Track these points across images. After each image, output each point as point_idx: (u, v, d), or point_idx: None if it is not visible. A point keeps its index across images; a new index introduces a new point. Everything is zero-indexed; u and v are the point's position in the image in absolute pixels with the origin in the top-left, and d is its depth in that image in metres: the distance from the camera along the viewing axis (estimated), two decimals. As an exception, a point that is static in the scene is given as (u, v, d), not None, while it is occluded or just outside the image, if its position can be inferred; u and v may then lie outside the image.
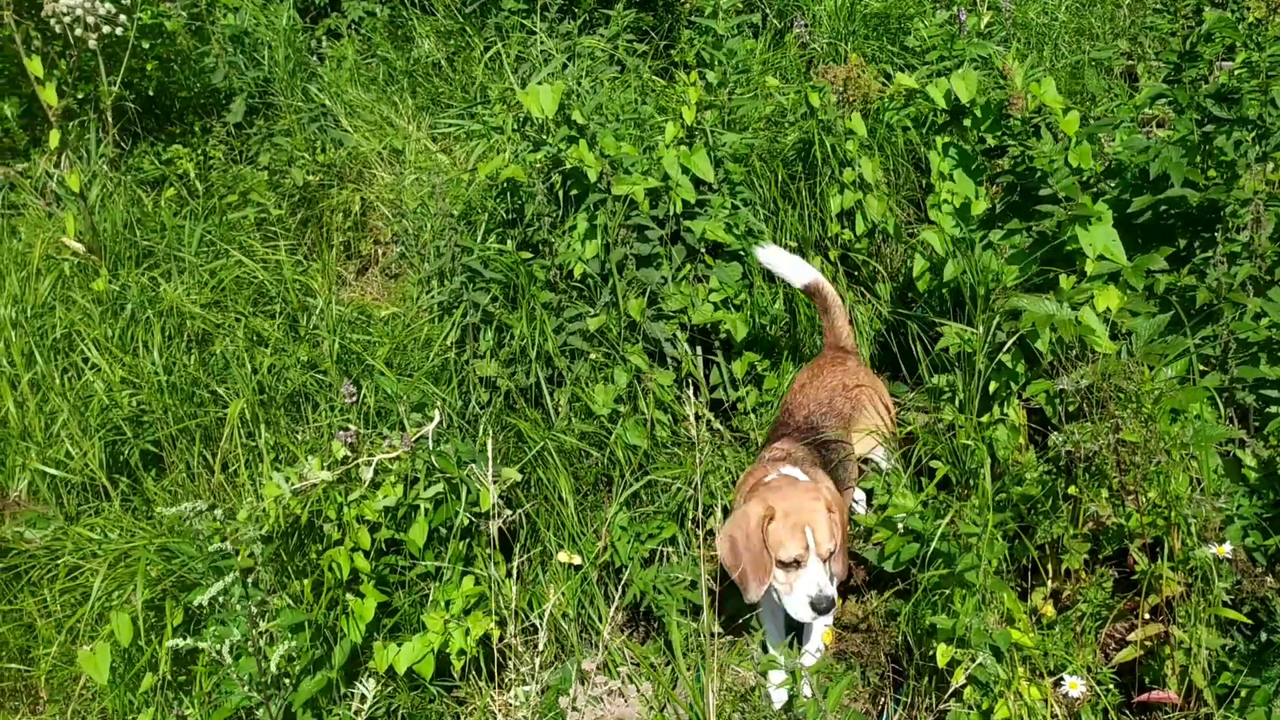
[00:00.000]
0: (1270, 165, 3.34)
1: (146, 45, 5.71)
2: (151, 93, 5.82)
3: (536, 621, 3.07)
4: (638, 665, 3.28)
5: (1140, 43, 5.95)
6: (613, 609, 3.03)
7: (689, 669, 3.18)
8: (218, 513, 2.14)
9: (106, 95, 5.27)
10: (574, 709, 2.96)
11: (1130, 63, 5.87)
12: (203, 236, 4.45)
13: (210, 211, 4.90)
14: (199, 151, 5.84)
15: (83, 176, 4.23)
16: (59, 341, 3.90)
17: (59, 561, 3.23)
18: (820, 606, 2.98)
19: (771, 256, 3.88)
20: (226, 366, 3.88)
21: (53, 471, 3.57)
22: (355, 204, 5.65)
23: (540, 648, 3.03)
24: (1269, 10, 3.28)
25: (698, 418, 4.01)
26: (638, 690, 3.09)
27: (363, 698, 2.26)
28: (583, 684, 3.04)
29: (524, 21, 5.81)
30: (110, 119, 5.34)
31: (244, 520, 2.89)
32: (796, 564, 3.01)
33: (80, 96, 5.32)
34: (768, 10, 5.96)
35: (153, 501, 3.49)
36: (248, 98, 6.05)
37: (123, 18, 5.04)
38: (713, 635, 2.73)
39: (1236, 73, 3.46)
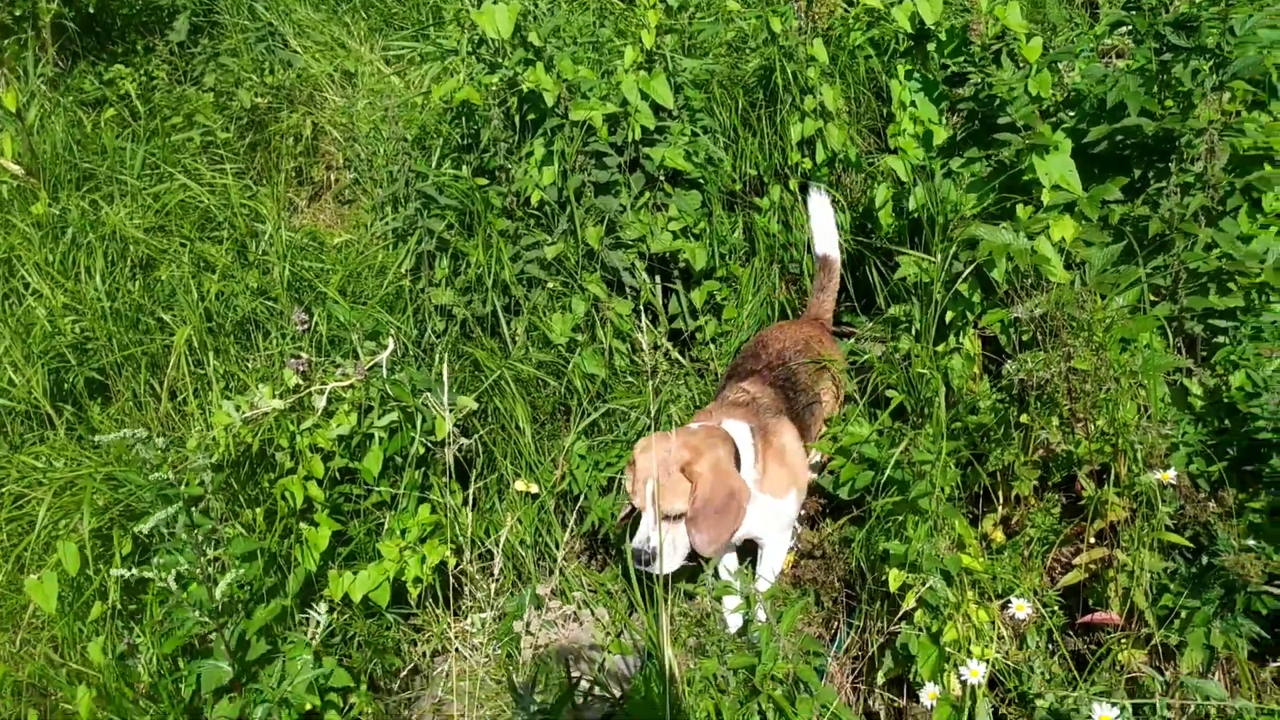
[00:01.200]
0: (1226, 95, 3.34)
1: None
2: (92, 10, 5.61)
3: (493, 549, 3.07)
4: (594, 592, 3.30)
5: (1102, -29, 5.90)
6: (567, 534, 3.03)
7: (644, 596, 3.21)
8: (159, 441, 2.09)
9: (45, 12, 5.08)
10: (528, 633, 2.98)
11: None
12: (146, 159, 4.32)
13: (153, 134, 4.75)
14: (141, 71, 5.65)
15: (20, 96, 4.07)
16: (-2, 266, 3.79)
17: (2, 490, 3.17)
18: (639, 558, 2.92)
19: (820, 205, 3.98)
20: (172, 293, 3.79)
21: (-6, 399, 3.49)
22: (306, 128, 5.51)
23: (496, 575, 3.04)
24: (1231, -63, 3.25)
25: (655, 347, 4.00)
26: (593, 615, 3.11)
27: (317, 623, 2.24)
28: (538, 609, 3.05)
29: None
30: (49, 37, 5.15)
31: (193, 449, 2.85)
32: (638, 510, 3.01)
33: (17, 13, 5.12)
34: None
35: (98, 430, 3.42)
36: (191, 16, 5.85)
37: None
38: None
39: (1197, 1, 3.44)
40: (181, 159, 4.53)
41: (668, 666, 2.03)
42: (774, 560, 3.34)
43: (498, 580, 3.12)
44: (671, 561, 2.96)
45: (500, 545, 2.70)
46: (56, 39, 5.32)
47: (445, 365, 3.28)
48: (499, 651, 2.97)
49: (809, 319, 3.90)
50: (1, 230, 3.85)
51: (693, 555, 3.07)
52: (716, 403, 3.42)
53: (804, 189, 4.39)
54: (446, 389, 2.96)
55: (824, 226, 3.92)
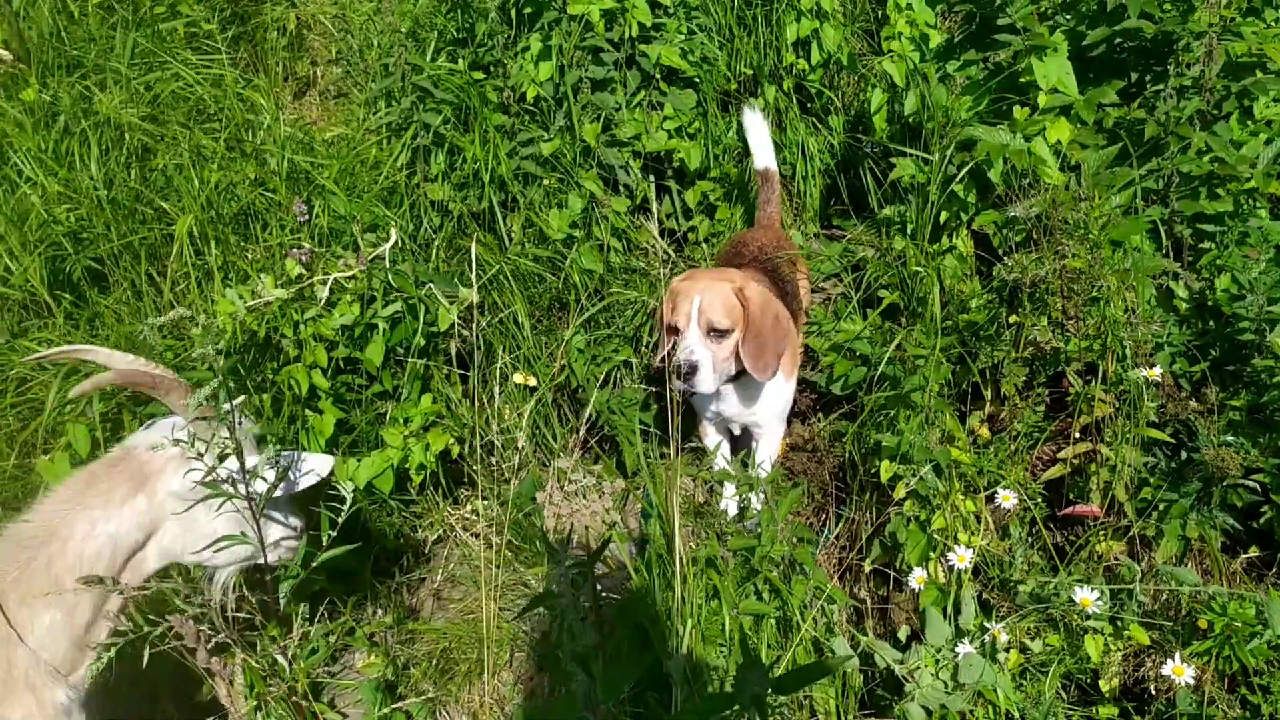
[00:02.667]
0: (1226, 0, 3.36)
1: None
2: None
3: (496, 440, 3.13)
4: (595, 480, 3.39)
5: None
6: (583, 423, 3.10)
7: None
8: (201, 318, 2.13)
9: (20, -111, 4.91)
10: (550, 503, 3.07)
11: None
12: (134, 47, 4.24)
13: (140, 22, 4.65)
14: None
15: (4, -22, 3.98)
16: (-10, 153, 3.75)
17: (10, 374, 3.19)
18: (679, 373, 2.93)
19: (755, 122, 3.98)
20: (169, 183, 3.77)
21: (-8, 286, 3.48)
22: (290, 21, 5.42)
23: (498, 461, 3.12)
24: None
25: (665, 250, 4.06)
26: (610, 486, 3.20)
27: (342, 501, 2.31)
28: (559, 482, 3.13)
29: None
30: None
31: (199, 335, 2.87)
32: (678, 331, 3.02)
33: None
34: None
35: (100, 316, 3.43)
36: (173, -100, 5.67)
37: None
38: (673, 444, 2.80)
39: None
40: (169, 49, 4.44)
41: (676, 541, 2.11)
42: (770, 448, 3.42)
43: (500, 467, 3.19)
44: (710, 381, 3.00)
45: (522, 429, 2.76)
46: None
47: (472, 252, 3.23)
48: (519, 520, 3.04)
49: (765, 226, 3.94)
50: (-8, 117, 3.80)
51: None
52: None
53: (799, 90, 4.40)
54: (472, 266, 2.93)
55: (761, 143, 3.97)
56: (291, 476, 2.38)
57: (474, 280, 2.72)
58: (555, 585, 1.82)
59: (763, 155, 3.97)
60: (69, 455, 2.86)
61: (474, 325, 2.99)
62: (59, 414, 3.05)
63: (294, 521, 2.54)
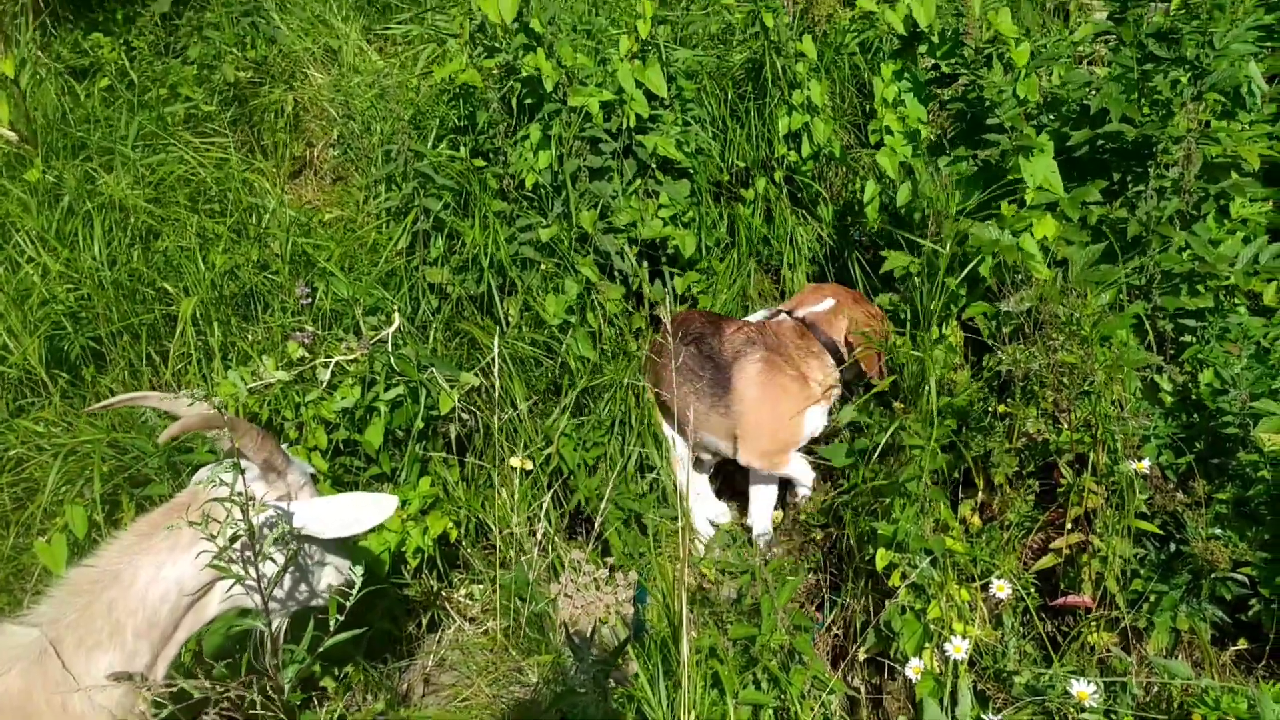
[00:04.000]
0: (1203, 105, 3.50)
1: (69, -76, 5.45)
2: (74, -24, 5.57)
3: (490, 523, 3.15)
4: (576, 567, 3.39)
5: (1077, -24, 6.07)
6: (598, 523, 3.12)
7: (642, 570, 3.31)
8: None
9: (29, -23, 5.03)
10: (565, 595, 3.07)
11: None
12: (138, 130, 4.31)
13: (142, 105, 4.74)
14: (120, 41, 5.61)
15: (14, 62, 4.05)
16: (-7, 232, 3.78)
17: (7, 455, 3.18)
18: None
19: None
20: (169, 263, 3.81)
21: (-10, 365, 3.49)
22: (289, 104, 5.52)
23: (498, 546, 3.13)
24: (1213, -45, 3.41)
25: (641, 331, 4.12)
26: (624, 578, 3.21)
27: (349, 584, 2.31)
28: (575, 572, 3.14)
29: (467, -77, 5.68)
30: (30, 4, 5.10)
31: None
32: None
33: (1, -23, 5.07)
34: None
35: (99, 396, 3.44)
36: (174, -14, 5.81)
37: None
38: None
39: (1175, 14, 3.60)
40: (171, 131, 4.52)
41: (684, 640, 2.13)
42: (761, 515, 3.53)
43: (499, 552, 3.20)
44: None
45: (515, 520, 2.78)
46: (38, 7, 5.26)
47: (440, 343, 3.32)
48: (524, 614, 3.04)
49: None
50: (-3, 196, 3.84)
51: None
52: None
53: (789, 181, 4.51)
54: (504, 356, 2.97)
55: None
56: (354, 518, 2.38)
57: (496, 363, 2.74)
58: (577, 684, 1.83)
59: None
60: (66, 537, 2.85)
61: (476, 409, 3.01)
62: (57, 495, 3.05)
63: (345, 560, 2.55)
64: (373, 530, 2.48)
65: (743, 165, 4.49)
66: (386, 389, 3.22)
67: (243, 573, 2.11)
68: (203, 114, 5.09)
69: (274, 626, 2.26)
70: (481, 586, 3.25)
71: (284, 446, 2.33)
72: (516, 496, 3.35)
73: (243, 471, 2.15)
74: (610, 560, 3.40)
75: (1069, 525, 3.09)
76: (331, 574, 2.49)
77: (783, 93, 4.38)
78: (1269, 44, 4.11)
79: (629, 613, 3.16)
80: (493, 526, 3.20)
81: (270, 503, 2.30)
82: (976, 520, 3.34)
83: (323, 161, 5.39)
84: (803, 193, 4.60)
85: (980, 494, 3.36)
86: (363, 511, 2.38)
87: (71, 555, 2.79)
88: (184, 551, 2.23)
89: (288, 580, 2.38)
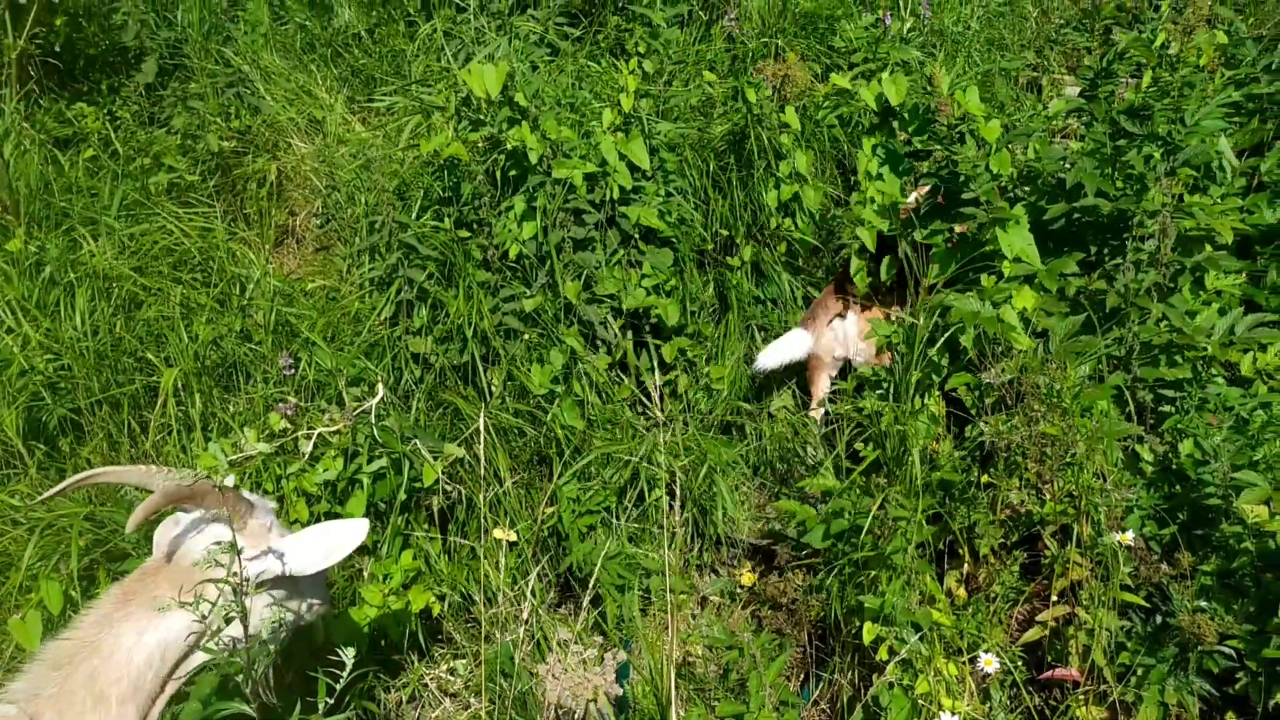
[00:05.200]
0: (1176, 179, 3.57)
1: None
2: (58, 48, 5.60)
3: (475, 596, 3.11)
4: (565, 640, 3.35)
5: (1045, 55, 6.24)
6: (588, 596, 3.08)
7: (626, 640, 3.27)
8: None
9: (12, 49, 5.06)
10: (553, 676, 3.02)
11: (1035, 74, 6.15)
12: (122, 199, 4.32)
13: (125, 175, 4.75)
14: (104, 111, 5.64)
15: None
16: (-29, 302, 3.75)
17: (-20, 529, 3.13)
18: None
19: (770, 359, 4.15)
20: (149, 333, 3.79)
21: (-36, 438, 3.45)
22: (272, 173, 5.54)
23: (482, 622, 3.08)
24: (1183, 33, 3.51)
25: (645, 400, 4.14)
26: (613, 657, 3.16)
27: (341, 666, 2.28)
28: (563, 651, 3.09)
29: (453, -2, 5.77)
30: (14, 75, 5.12)
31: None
32: None
33: (-15, 49, 5.10)
34: (694, 3, 6.05)
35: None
36: (159, 58, 5.86)
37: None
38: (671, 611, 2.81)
39: (1146, 90, 3.69)
40: (155, 201, 4.53)
41: (671, 712, 2.10)
42: None
43: (482, 627, 3.15)
44: None
45: (489, 591, 2.75)
46: (22, 76, 5.29)
47: (423, 413, 3.32)
48: (498, 692, 3.00)
49: None
50: (-25, 266, 3.82)
51: None
52: None
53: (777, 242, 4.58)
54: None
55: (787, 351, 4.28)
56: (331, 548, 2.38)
57: (484, 440, 2.74)
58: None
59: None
60: (40, 614, 2.79)
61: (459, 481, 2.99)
62: (32, 570, 2.99)
63: (326, 593, 2.56)
64: (350, 556, 2.48)
65: (725, 234, 4.54)
66: (369, 461, 3.20)
67: (228, 646, 2.08)
68: (186, 183, 5.11)
69: (258, 672, 2.24)
70: (464, 661, 3.20)
71: (242, 492, 2.32)
72: (503, 571, 3.32)
73: (238, 551, 2.14)
74: (599, 640, 3.36)
75: (1055, 598, 3.08)
76: (308, 607, 2.49)
77: (769, 163, 4.45)
78: (1238, 119, 4.23)
79: (618, 693, 3.12)
80: (476, 600, 3.16)
81: (251, 557, 2.29)
82: (962, 592, 3.33)
83: (306, 230, 5.40)
84: (799, 256, 4.65)
85: (966, 565, 3.36)
86: (338, 539, 2.39)
87: (46, 632, 2.73)
88: (167, 616, 2.20)
89: (268, 627, 2.36)
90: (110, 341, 3.65)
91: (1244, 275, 3.71)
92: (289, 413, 3.23)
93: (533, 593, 3.32)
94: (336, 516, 3.27)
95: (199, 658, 2.29)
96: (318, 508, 3.21)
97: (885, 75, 4.17)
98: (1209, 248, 3.65)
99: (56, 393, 3.59)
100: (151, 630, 2.19)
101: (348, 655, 2.03)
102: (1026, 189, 3.94)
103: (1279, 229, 3.79)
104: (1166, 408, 3.50)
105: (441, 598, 3.22)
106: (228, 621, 2.11)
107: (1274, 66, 4.16)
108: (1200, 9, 3.56)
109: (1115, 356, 3.52)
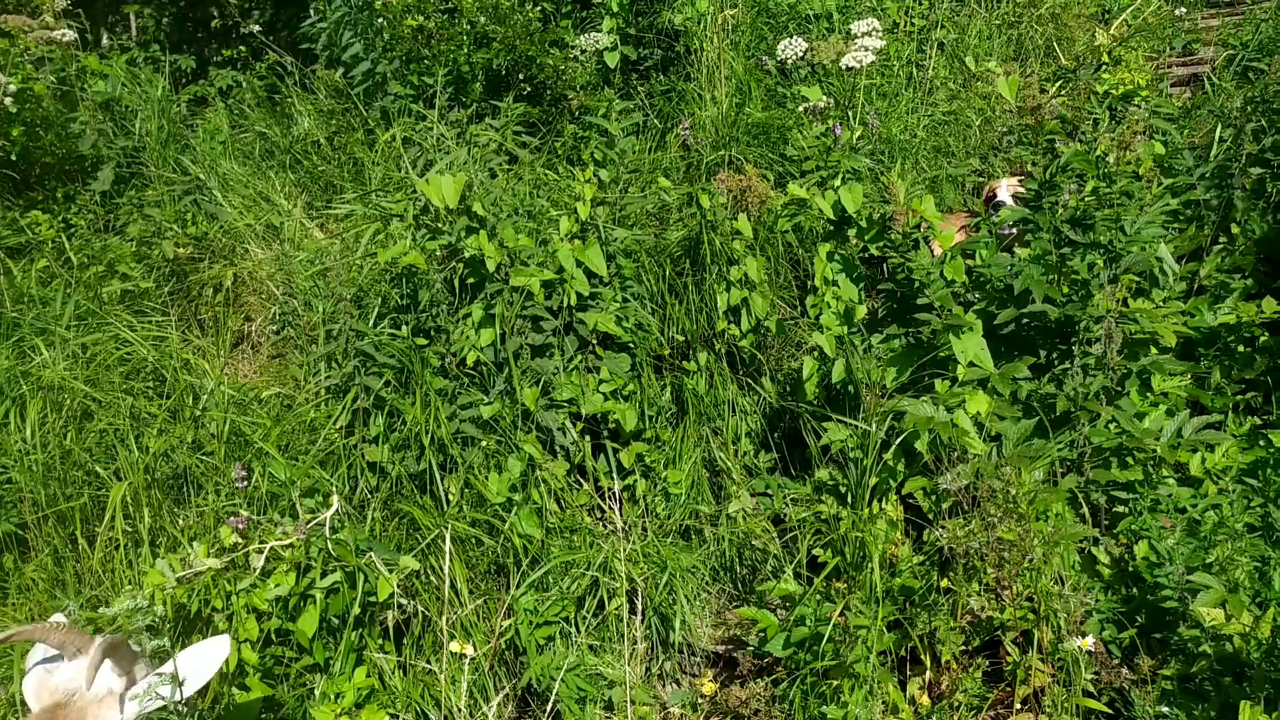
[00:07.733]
0: (1119, 285, 3.67)
1: (14, 109, 5.51)
2: (14, 157, 5.60)
3: (431, 715, 3.03)
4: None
5: (990, 161, 6.44)
6: (548, 714, 3.01)
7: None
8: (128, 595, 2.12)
9: (-35, 159, 5.05)
10: None
11: (981, 180, 6.34)
12: (75, 309, 4.28)
13: (79, 283, 4.71)
14: (59, 219, 5.62)
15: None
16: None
17: (-85, 653, 3.02)
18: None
19: None
20: (99, 444, 3.72)
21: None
22: (228, 278, 5.53)
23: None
24: (1120, 148, 3.65)
25: (604, 505, 4.09)
26: None
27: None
28: None
29: (412, 106, 5.87)
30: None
31: (129, 612, 2.78)
32: None
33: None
34: (649, 112, 6.19)
35: (20, 587, 3.30)
36: (116, 166, 5.87)
37: (-7, 81, 4.87)
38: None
39: (1087, 200, 3.81)
40: (108, 309, 4.49)
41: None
42: None
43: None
44: None
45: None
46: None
47: (379, 524, 3.27)
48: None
49: None
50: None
51: None
52: None
53: (729, 354, 4.61)
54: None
55: None
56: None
57: (449, 552, 2.69)
58: None
59: None
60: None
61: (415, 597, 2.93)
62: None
63: None
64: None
65: (682, 339, 4.58)
66: (323, 575, 3.14)
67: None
68: (140, 290, 5.07)
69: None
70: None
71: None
72: (462, 688, 3.24)
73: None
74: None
75: (1018, 705, 3.06)
76: None
77: (721, 269, 4.51)
78: (1177, 225, 4.37)
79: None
80: (433, 719, 3.07)
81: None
82: (926, 700, 3.29)
83: (262, 337, 5.37)
84: (744, 366, 4.68)
85: (928, 672, 3.33)
86: (204, 660, 2.44)
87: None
88: None
89: None
90: (59, 453, 3.58)
91: (1189, 377, 3.79)
92: (240, 527, 3.17)
93: (495, 716, 3.24)
94: (287, 634, 3.19)
95: None
96: (268, 624, 3.13)
97: (840, 184, 4.27)
98: (1154, 350, 3.74)
99: (1, 506, 3.50)
100: None
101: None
102: (977, 295, 4.03)
103: (1220, 331, 3.89)
104: (1120, 508, 3.54)
105: (395, 717, 3.13)
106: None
107: (1208, 174, 4.33)
108: (1133, 123, 3.71)
109: (1068, 459, 3.56)
